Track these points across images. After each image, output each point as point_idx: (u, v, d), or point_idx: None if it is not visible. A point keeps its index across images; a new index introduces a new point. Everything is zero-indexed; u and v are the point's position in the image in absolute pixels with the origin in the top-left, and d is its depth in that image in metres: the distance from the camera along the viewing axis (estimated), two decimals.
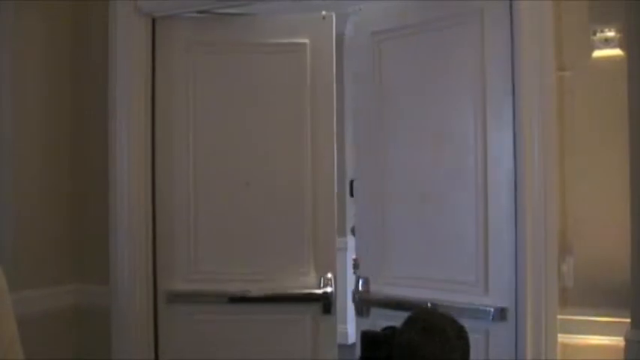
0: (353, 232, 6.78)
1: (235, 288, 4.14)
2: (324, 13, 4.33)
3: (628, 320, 3.23)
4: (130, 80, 4.17)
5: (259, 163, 4.27)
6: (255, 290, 4.13)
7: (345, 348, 7.66)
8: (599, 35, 3.55)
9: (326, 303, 4.12)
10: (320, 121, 4.30)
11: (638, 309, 3.18)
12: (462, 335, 2.48)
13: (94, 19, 4.32)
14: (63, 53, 4.28)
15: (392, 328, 2.65)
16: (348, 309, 7.75)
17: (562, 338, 3.60)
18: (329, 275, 4.17)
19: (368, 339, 2.94)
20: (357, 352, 2.96)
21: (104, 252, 4.21)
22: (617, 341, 3.30)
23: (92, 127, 4.31)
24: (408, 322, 2.51)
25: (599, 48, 3.55)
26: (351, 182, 8.15)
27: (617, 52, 3.50)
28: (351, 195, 8.13)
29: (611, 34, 3.51)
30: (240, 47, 4.29)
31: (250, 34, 4.32)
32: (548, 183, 3.57)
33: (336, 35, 8.00)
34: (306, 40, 4.32)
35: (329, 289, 4.13)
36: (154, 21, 4.27)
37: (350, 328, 8.14)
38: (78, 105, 4.33)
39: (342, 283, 7.99)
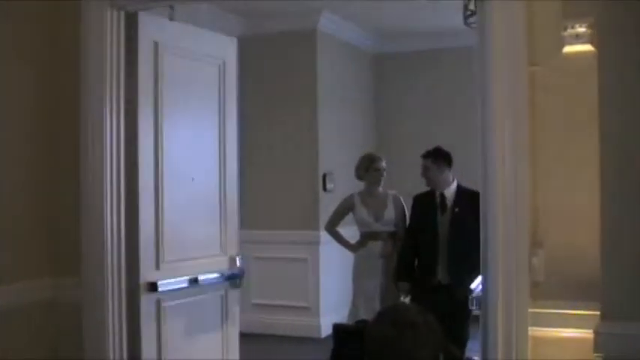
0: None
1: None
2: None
3: (598, 313, 3.25)
4: (100, 76, 4.14)
5: (198, 161, 4.71)
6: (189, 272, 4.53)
7: (317, 341, 7.70)
8: (569, 31, 3.58)
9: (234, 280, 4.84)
10: (227, 127, 4.95)
11: (608, 302, 3.20)
12: (432, 328, 2.48)
13: (66, 19, 4.28)
14: (34, 50, 4.24)
15: (364, 322, 2.67)
16: (321, 302, 7.78)
17: (533, 331, 3.62)
18: (235, 257, 4.88)
19: (340, 333, 2.97)
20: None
21: (75, 245, 4.18)
22: (587, 333, 3.31)
23: (64, 122, 4.26)
24: (378, 317, 2.52)
25: (570, 43, 3.58)
26: (324, 176, 8.19)
27: (587, 47, 3.53)
28: (324, 189, 8.17)
29: (582, 29, 3.54)
30: (180, 52, 4.55)
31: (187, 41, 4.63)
32: (519, 177, 3.59)
33: (309, 28, 8.18)
34: (223, 59, 4.90)
35: (235, 270, 4.84)
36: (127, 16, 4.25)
37: (322, 321, 8.16)
38: (50, 99, 4.28)
39: (315, 278, 8.04)
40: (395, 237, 6.51)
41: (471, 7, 4.89)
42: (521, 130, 3.58)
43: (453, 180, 6.23)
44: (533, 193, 3.65)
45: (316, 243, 7.70)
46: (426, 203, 6.21)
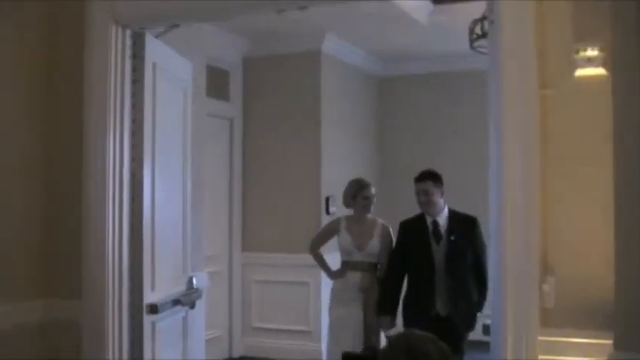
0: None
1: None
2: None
3: (610, 342, 3.20)
4: (104, 96, 4.11)
5: (170, 183, 4.66)
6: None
7: None
8: (581, 54, 3.54)
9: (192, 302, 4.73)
10: (187, 151, 4.90)
11: (621, 329, 3.16)
12: (446, 357, 2.43)
13: (69, 28, 4.25)
14: (36, 60, 4.21)
15: (372, 349, 2.62)
16: (323, 327, 7.69)
17: (543, 359, 3.55)
18: (192, 279, 4.78)
19: None
20: None
21: (74, 266, 4.12)
22: None
23: (66, 140, 4.23)
24: (391, 346, 2.47)
25: (582, 66, 3.54)
26: (327, 199, 8.13)
27: (600, 71, 3.49)
28: (327, 212, 8.11)
29: (594, 52, 3.50)
30: (165, 74, 4.50)
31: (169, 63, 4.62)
32: (530, 201, 3.55)
33: (313, 50, 8.17)
34: (187, 82, 4.91)
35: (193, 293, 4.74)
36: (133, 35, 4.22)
37: (324, 346, 8.07)
38: (53, 117, 4.24)
39: (317, 302, 7.97)
40: (376, 269, 6.12)
41: (477, 30, 4.87)
42: (532, 155, 3.55)
43: (445, 205, 5.84)
44: (545, 218, 3.59)
45: (318, 267, 7.62)
46: (417, 230, 5.77)
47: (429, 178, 5.79)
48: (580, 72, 3.55)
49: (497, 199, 3.66)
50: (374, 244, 6.10)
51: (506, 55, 3.60)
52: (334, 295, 6.23)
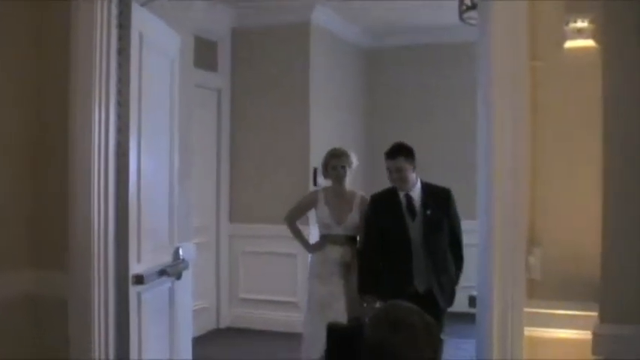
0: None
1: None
2: None
3: (596, 314, 3.21)
4: (90, 65, 4.04)
5: (157, 155, 4.62)
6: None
7: None
8: (571, 26, 3.53)
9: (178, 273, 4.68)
10: (174, 122, 4.85)
11: (607, 302, 3.16)
12: (431, 331, 2.43)
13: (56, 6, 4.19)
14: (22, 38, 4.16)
15: (357, 320, 2.62)
16: None
17: (529, 331, 3.58)
18: (179, 250, 4.71)
19: (335, 332, 2.90)
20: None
21: (60, 237, 4.07)
22: (584, 335, 3.27)
23: (52, 112, 4.16)
24: (376, 318, 2.46)
25: (572, 38, 3.53)
26: (315, 170, 8.11)
27: (589, 42, 3.48)
28: (314, 184, 8.08)
29: (584, 24, 3.49)
30: (152, 45, 4.43)
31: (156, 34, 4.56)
32: (518, 173, 3.56)
33: (302, 22, 8.12)
34: (173, 54, 4.86)
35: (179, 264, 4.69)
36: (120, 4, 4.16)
37: None
38: (39, 89, 4.17)
39: (304, 273, 7.97)
40: (356, 243, 5.92)
41: (467, 2, 4.84)
42: (521, 127, 3.55)
43: (417, 178, 5.54)
44: (532, 191, 3.60)
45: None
46: (390, 205, 5.50)
47: (401, 153, 5.46)
48: (570, 44, 3.55)
49: (485, 172, 3.67)
50: (353, 217, 5.88)
51: (496, 27, 3.60)
52: (313, 269, 6.08)
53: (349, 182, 6.02)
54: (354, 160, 6.06)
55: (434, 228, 5.38)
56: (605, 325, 3.14)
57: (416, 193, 5.48)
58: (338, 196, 6.00)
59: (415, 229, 5.40)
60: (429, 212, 5.40)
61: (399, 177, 5.44)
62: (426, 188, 5.52)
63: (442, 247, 5.41)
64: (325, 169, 6.09)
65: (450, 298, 5.44)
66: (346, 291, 5.83)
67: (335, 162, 5.98)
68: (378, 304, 5.29)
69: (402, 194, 5.47)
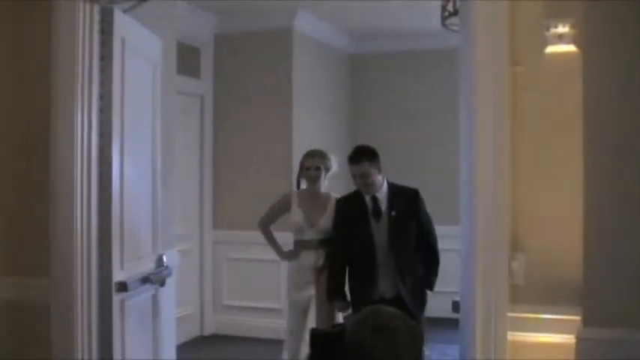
0: None
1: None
2: None
3: (579, 318, 3.22)
4: (72, 70, 4.03)
5: (139, 160, 4.61)
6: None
7: None
8: (552, 31, 3.54)
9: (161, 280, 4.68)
10: (156, 127, 4.84)
11: (590, 306, 3.18)
12: (414, 335, 2.42)
13: (36, 2, 4.15)
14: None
15: (342, 326, 2.61)
16: None
17: (512, 336, 3.58)
18: (162, 257, 4.71)
19: (318, 337, 2.89)
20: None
21: (43, 243, 4.03)
22: (568, 339, 3.29)
23: (34, 117, 4.12)
24: (358, 322, 2.44)
25: (553, 43, 3.54)
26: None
27: (570, 48, 3.49)
28: (298, 189, 8.05)
29: (565, 29, 3.50)
30: (134, 51, 4.43)
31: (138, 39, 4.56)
32: (499, 177, 3.57)
33: (285, 27, 8.11)
34: (155, 60, 4.86)
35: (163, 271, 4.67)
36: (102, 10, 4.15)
37: None
38: (20, 94, 4.14)
39: None
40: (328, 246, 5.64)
41: (449, 8, 4.86)
42: (502, 131, 3.57)
43: (384, 180, 5.30)
44: (514, 195, 3.61)
45: (289, 244, 7.61)
46: (356, 208, 5.29)
47: (365, 158, 5.21)
48: (551, 49, 3.56)
49: (467, 176, 3.67)
50: (326, 220, 5.61)
51: (477, 33, 3.61)
52: (290, 277, 5.87)
53: (328, 186, 5.87)
54: (334, 163, 5.86)
55: (400, 230, 5.18)
56: (588, 328, 3.17)
57: (382, 194, 5.26)
58: (312, 198, 5.79)
59: (380, 231, 5.20)
60: (393, 213, 5.19)
61: (364, 182, 5.22)
62: (393, 189, 5.31)
63: (408, 250, 5.18)
64: (300, 170, 5.88)
65: (421, 302, 5.21)
66: (319, 295, 5.60)
67: (309, 162, 5.78)
68: (350, 310, 5.31)
69: (367, 197, 5.26)
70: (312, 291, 5.64)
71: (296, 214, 5.77)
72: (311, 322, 5.50)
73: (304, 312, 5.65)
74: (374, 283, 5.14)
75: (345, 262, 5.36)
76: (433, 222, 5.32)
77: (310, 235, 5.70)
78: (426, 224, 5.28)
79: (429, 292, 5.27)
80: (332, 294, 5.41)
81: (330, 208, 5.63)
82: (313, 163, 5.75)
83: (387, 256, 5.15)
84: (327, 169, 5.80)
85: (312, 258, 5.67)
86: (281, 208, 5.97)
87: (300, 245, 5.75)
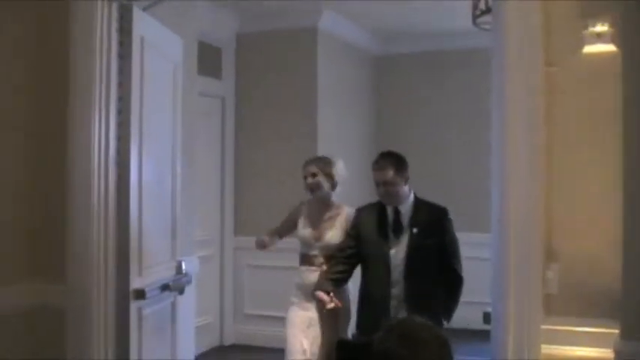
0: None
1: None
2: None
3: (617, 331, 3.11)
4: (91, 71, 3.95)
5: (159, 165, 4.56)
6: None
7: None
8: (590, 30, 3.43)
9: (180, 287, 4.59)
10: (177, 132, 4.79)
11: (629, 318, 3.06)
12: (443, 344, 2.34)
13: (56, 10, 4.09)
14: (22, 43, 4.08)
15: (368, 337, 2.55)
16: None
17: (546, 349, 3.46)
18: (182, 264, 4.59)
19: (345, 349, 2.81)
20: None
21: (60, 250, 3.99)
22: (604, 353, 3.20)
23: (52, 119, 4.07)
24: (386, 331, 2.37)
25: (590, 43, 3.42)
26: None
27: (609, 47, 3.37)
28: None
29: (603, 28, 3.39)
30: (154, 50, 4.36)
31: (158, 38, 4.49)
32: (533, 184, 3.46)
33: (309, 27, 8.01)
34: (176, 59, 4.78)
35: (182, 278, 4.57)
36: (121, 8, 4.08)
37: None
38: (38, 95, 4.09)
39: None
40: None
41: (481, 6, 4.73)
42: (535, 136, 3.47)
43: (410, 192, 4.85)
44: (549, 202, 3.50)
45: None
46: (375, 220, 4.82)
47: (390, 164, 4.76)
48: (588, 48, 3.45)
49: (499, 184, 3.56)
50: (334, 236, 5.10)
51: (510, 31, 3.51)
52: (293, 293, 5.29)
53: (342, 195, 5.34)
54: (339, 169, 5.28)
55: (419, 250, 4.69)
56: (626, 342, 3.05)
57: (406, 208, 4.79)
58: (320, 209, 5.25)
59: (399, 249, 4.72)
60: (415, 231, 4.71)
61: (386, 191, 4.76)
62: (419, 204, 4.83)
63: (426, 275, 4.68)
64: (303, 179, 5.32)
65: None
66: (322, 317, 5.01)
67: (304, 171, 5.27)
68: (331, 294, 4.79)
69: (389, 209, 4.80)
70: (312, 313, 5.09)
71: (303, 225, 5.27)
72: (310, 344, 5.09)
73: (303, 325, 5.13)
74: (383, 308, 4.66)
75: (349, 264, 4.95)
76: (459, 245, 4.82)
77: (315, 250, 5.16)
78: (449, 244, 4.77)
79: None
80: (323, 280, 4.93)
81: (339, 222, 5.15)
82: (309, 170, 5.23)
83: (402, 279, 4.70)
84: (329, 175, 5.23)
85: (314, 276, 5.07)
86: (292, 219, 5.43)
87: (304, 261, 5.23)
